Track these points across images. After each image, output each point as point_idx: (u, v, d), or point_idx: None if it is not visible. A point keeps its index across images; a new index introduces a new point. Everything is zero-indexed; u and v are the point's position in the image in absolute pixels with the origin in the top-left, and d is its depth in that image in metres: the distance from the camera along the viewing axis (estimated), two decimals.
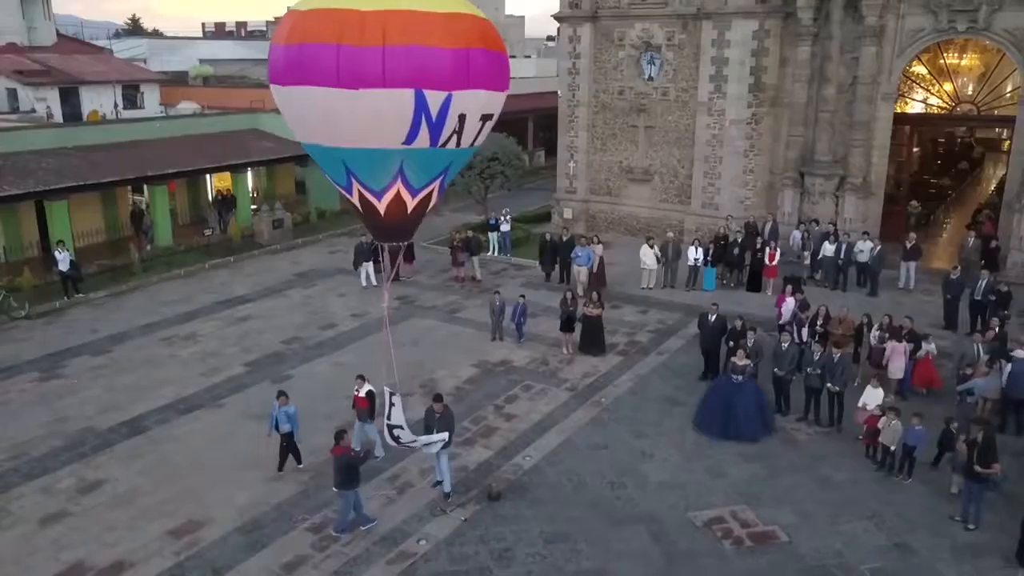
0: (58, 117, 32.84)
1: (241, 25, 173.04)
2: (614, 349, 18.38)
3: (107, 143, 27.00)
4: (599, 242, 22.87)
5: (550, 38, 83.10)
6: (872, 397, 13.64)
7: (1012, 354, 14.35)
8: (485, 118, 10.25)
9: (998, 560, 10.89)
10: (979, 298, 18.23)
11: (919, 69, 25.45)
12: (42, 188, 22.74)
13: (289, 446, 12.99)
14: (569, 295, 18.43)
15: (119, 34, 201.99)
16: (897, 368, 15.22)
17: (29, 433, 14.51)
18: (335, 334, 19.48)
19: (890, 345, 15.36)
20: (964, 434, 12.23)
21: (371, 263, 22.86)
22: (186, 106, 34.31)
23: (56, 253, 21.67)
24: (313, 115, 9.88)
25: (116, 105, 34.65)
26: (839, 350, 14.96)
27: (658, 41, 26.24)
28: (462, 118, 9.79)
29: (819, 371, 14.39)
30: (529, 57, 59.58)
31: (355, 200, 10.60)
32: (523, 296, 19.26)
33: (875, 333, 15.77)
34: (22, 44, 41.66)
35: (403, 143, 9.65)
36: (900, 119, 25.69)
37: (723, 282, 22.45)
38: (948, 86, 25.75)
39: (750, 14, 24.28)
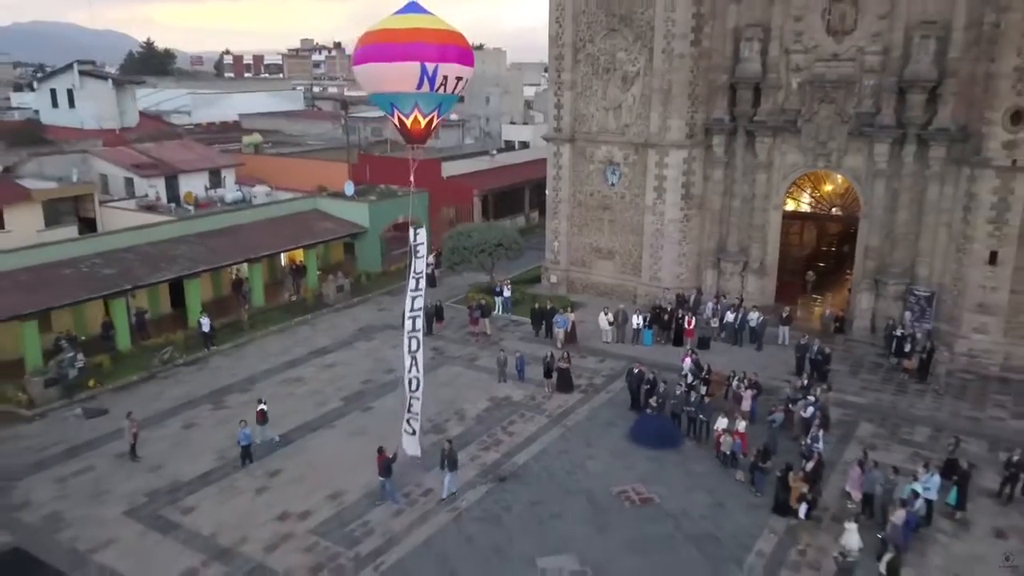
0: (163, 198, 42.72)
1: (259, 59, 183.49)
2: (579, 388, 28.24)
3: (214, 229, 36.92)
4: (572, 311, 32.88)
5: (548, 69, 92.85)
6: (721, 423, 23.48)
7: (812, 397, 24.32)
8: (458, 78, 20.77)
9: (767, 512, 20.70)
10: (813, 356, 28.14)
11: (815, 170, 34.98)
12: (187, 272, 32.68)
13: (245, 453, 22.79)
14: (549, 353, 28.35)
15: (133, 56, 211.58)
16: (746, 404, 25.06)
17: (224, 443, 24.32)
18: (394, 377, 29.11)
19: (744, 392, 25.30)
20: (763, 446, 22.09)
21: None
22: (260, 189, 44.13)
23: (200, 319, 31.62)
24: (375, 77, 20.71)
25: (205, 187, 44.56)
26: (710, 397, 24.89)
27: (617, 160, 36.28)
28: (445, 77, 20.31)
29: (693, 409, 24.33)
30: (527, 124, 69.42)
31: (395, 120, 21.38)
32: (518, 352, 29.21)
33: (735, 383, 25.75)
34: (117, 129, 51.84)
35: (416, 88, 20.20)
36: (791, 215, 35.69)
37: (658, 340, 32.33)
38: (825, 191, 35.73)
39: (681, 146, 34.28)
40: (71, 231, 38.05)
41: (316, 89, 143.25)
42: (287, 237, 38.42)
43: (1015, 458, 21.14)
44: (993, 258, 28.47)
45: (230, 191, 45.11)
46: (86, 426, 25.64)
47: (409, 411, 22.09)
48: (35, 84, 55.41)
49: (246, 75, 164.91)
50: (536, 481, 22.24)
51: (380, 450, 21.23)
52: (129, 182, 42.73)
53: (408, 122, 20.99)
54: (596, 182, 37.22)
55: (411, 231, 21.82)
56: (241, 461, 22.99)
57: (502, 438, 24.79)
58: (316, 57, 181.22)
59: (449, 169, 50.37)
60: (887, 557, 16.96)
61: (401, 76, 19.99)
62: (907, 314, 30.47)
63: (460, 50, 20.73)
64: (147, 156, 44.09)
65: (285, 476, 22.58)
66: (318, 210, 41.81)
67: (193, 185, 44.06)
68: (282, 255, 40.62)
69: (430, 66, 19.92)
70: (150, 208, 40.98)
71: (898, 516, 18.57)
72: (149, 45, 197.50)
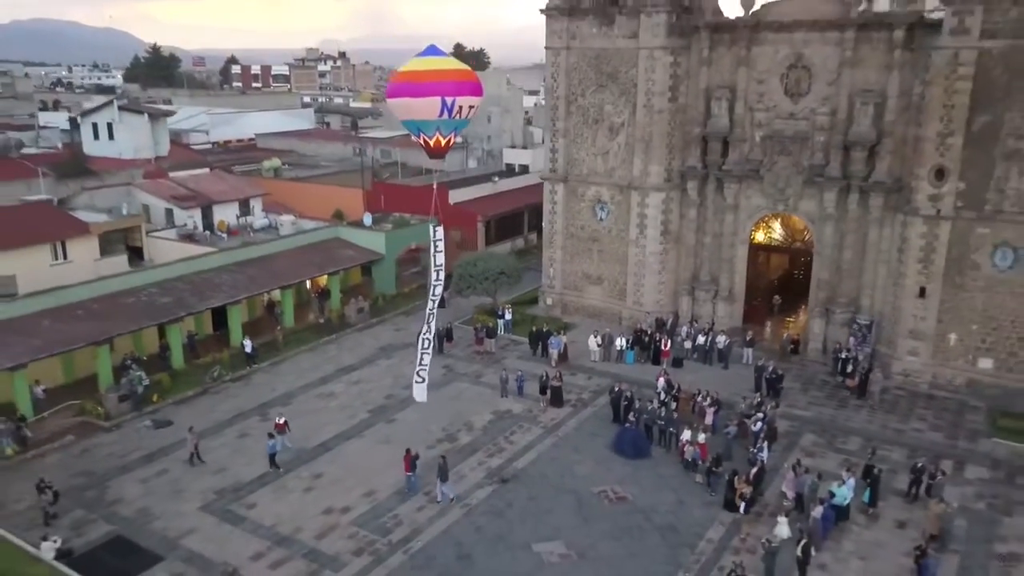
0: (199, 226, 47.61)
1: (266, 69, 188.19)
2: (569, 403, 33.20)
3: (250, 258, 41.84)
4: (565, 334, 37.86)
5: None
6: (686, 435, 28.45)
7: (760, 413, 29.27)
8: (471, 107, 26.31)
9: (719, 508, 25.66)
10: (768, 376, 33.12)
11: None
12: (231, 300, 37.63)
13: (271, 459, 27.57)
14: (544, 373, 33.32)
15: (139, 60, 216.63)
16: (708, 418, 30.04)
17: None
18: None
19: (707, 409, 30.27)
20: (717, 454, 27.04)
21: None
22: (287, 218, 49.02)
23: (244, 341, 36.58)
24: (405, 108, 26.07)
25: (237, 216, 49.48)
26: (677, 412, 29.87)
27: (605, 198, 41.25)
28: (460, 108, 25.77)
29: (663, 422, 29.31)
30: (527, 148, 74.26)
31: (420, 140, 27.09)
32: (519, 371, 34.18)
33: (698, 399, 30.73)
34: (152, 158, 56.78)
35: (437, 117, 25.70)
36: (758, 247, 40.64)
37: (638, 360, 37.27)
38: (794, 222, 40.61)
39: (660, 189, 39.22)
40: (122, 259, 42.95)
41: (321, 99, 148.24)
42: (314, 265, 43.36)
43: (919, 464, 26.17)
44: (922, 292, 33.38)
45: (258, 219, 50.05)
46: (156, 435, 30.61)
47: (420, 364, 27.37)
48: (79, 118, 60.25)
49: (254, 84, 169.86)
50: (532, 482, 27.22)
51: (408, 451, 26.40)
52: (169, 212, 47.60)
53: (431, 142, 27.10)
54: (586, 217, 42.18)
55: (431, 229, 27.43)
56: (269, 465, 27.85)
57: (504, 446, 29.76)
58: (322, 67, 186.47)
59: (455, 196, 55.25)
60: (802, 543, 21.94)
61: (426, 108, 25.90)
62: (851, 339, 35.42)
63: (472, 84, 26.89)
64: (185, 188, 48.96)
65: (326, 478, 27.56)
66: (339, 238, 46.70)
67: (225, 214, 48.93)
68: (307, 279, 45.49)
69: (449, 100, 25.69)
70: (188, 237, 45.89)
71: (817, 511, 23.57)
72: (155, 50, 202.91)
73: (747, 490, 24.91)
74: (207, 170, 55.81)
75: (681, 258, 40.27)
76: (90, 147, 57.94)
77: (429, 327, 27.98)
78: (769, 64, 36.07)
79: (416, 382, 27.92)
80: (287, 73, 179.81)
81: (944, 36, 30.98)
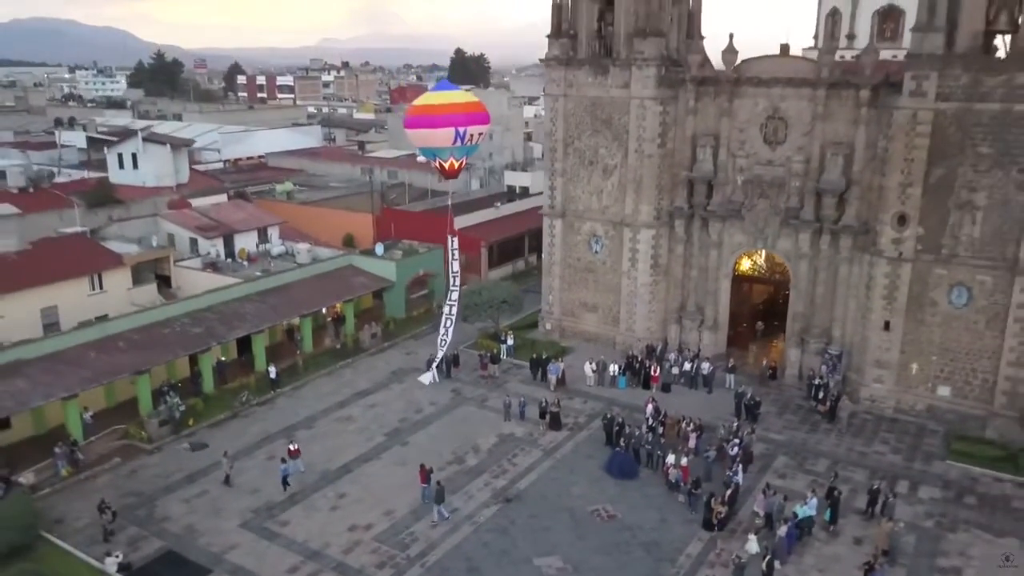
0: (222, 254, 50.92)
1: (271, 80, 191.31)
2: (566, 427, 36.56)
3: (270, 288, 45.15)
4: (562, 359, 41.24)
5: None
6: (670, 458, 31.82)
7: (737, 439, 32.64)
8: (480, 133, 32.47)
9: (698, 526, 29.01)
10: (747, 402, 36.51)
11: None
12: (255, 330, 41.00)
13: (284, 481, 30.72)
14: (544, 399, 36.70)
15: (141, 65, 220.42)
16: (692, 443, 33.41)
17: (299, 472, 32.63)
18: (423, 416, 37.55)
19: (691, 434, 33.63)
20: (697, 477, 30.41)
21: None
22: (303, 246, 52.35)
23: (268, 367, 39.95)
24: (422, 137, 31.96)
25: (256, 244, 52.80)
26: (664, 437, 33.24)
27: (599, 233, 44.64)
28: (471, 135, 31.86)
29: (650, 446, 32.68)
30: (527, 171, 77.62)
31: (436, 164, 33.65)
32: (521, 397, 37.55)
33: (682, 425, 34.11)
34: (174, 185, 60.17)
35: (451, 144, 31.68)
36: (741, 277, 44.02)
37: (630, 384, 40.63)
38: (772, 259, 43.97)
39: (650, 226, 42.61)
40: (151, 288, 46.31)
41: (325, 110, 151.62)
42: (330, 292, 46.71)
43: (875, 486, 29.58)
44: (887, 326, 36.75)
45: (275, 246, 53.40)
46: (194, 457, 33.95)
47: (434, 358, 31.08)
48: (106, 149, 63.64)
49: (259, 95, 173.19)
50: (533, 502, 30.60)
51: (422, 466, 29.99)
52: (193, 242, 50.94)
53: (446, 166, 31.57)
54: (582, 250, 45.59)
55: (448, 239, 31.63)
56: (283, 487, 31.00)
57: (507, 467, 33.13)
58: (325, 78, 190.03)
59: (460, 222, 58.23)
60: (767, 558, 25.34)
61: (441, 137, 30.58)
62: (823, 367, 38.80)
63: (481, 115, 31.42)
64: (207, 218, 52.31)
65: (349, 498, 30.93)
66: (353, 266, 50.02)
67: (246, 242, 52.24)
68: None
69: (461, 129, 29.93)
70: (212, 265, 49.20)
71: (782, 530, 26.96)
72: (159, 56, 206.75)
73: (722, 510, 28.28)
74: (225, 197, 59.20)
75: (670, 289, 43.66)
76: (115, 175, 61.38)
77: (447, 330, 32.03)
78: (749, 115, 39.44)
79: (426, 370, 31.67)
80: (291, 84, 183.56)
81: (904, 97, 34.33)
